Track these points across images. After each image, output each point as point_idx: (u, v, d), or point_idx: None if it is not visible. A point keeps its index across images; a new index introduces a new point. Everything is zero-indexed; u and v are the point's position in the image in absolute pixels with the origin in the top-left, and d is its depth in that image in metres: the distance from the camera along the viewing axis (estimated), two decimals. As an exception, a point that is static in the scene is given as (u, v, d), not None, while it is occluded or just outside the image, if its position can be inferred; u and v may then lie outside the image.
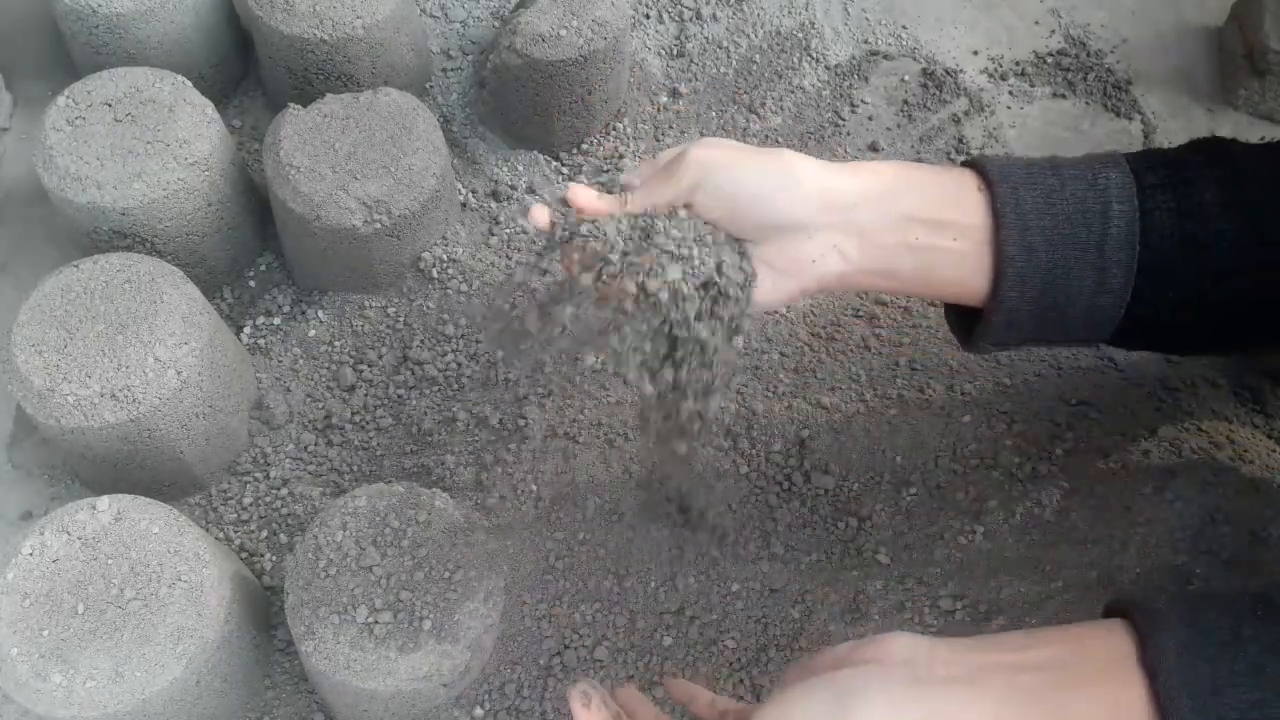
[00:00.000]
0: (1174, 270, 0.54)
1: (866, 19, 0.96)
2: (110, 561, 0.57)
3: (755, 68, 0.92)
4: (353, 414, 0.73)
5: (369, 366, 0.75)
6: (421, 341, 0.76)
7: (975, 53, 0.95)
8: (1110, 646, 0.47)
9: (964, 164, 0.58)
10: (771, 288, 0.56)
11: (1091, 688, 0.46)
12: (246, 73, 0.89)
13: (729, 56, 0.92)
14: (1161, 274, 0.54)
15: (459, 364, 0.75)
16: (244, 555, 0.69)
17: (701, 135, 0.88)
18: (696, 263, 0.53)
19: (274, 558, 0.69)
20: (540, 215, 0.55)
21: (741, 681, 0.65)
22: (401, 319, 0.77)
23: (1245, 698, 0.44)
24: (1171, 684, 0.45)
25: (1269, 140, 0.56)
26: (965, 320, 0.61)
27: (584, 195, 0.55)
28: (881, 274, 0.56)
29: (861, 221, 0.55)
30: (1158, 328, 0.58)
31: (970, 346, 0.61)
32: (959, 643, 0.49)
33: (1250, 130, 0.91)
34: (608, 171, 0.85)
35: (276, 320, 0.77)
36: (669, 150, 0.57)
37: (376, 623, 0.58)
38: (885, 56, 0.93)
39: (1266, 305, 0.55)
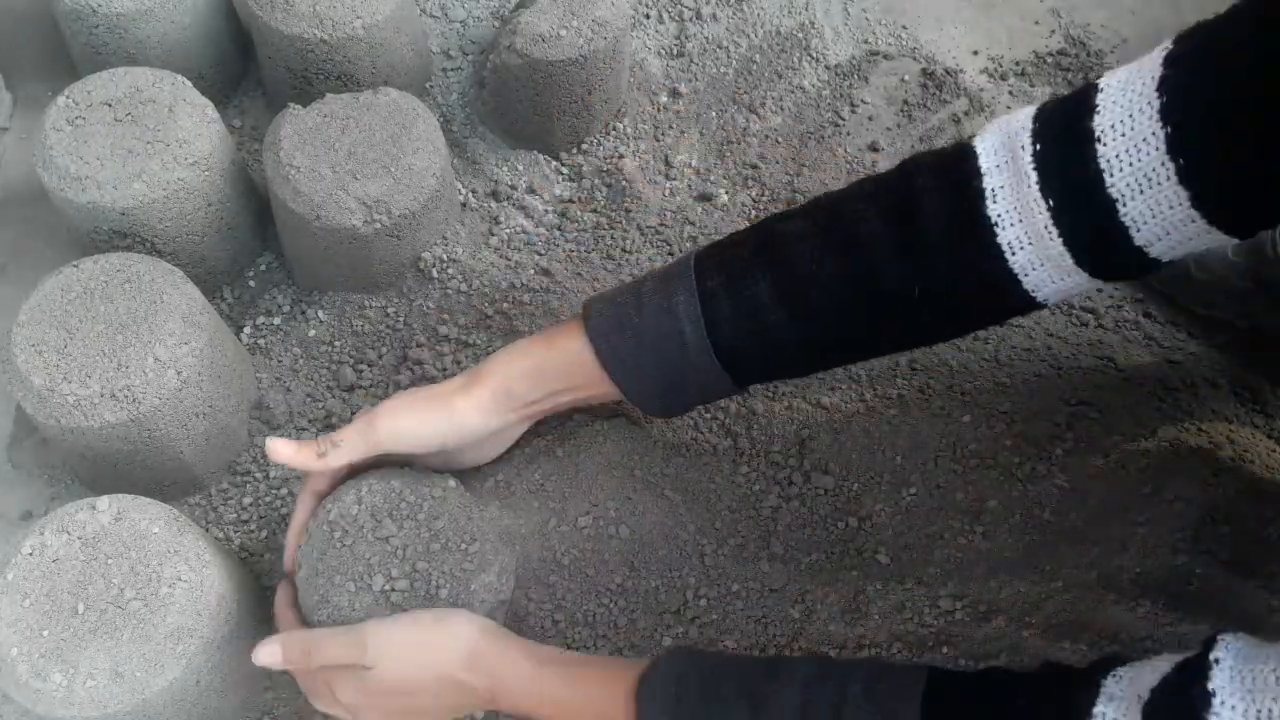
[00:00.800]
0: (746, 354, 0.61)
1: (866, 19, 0.96)
2: (110, 561, 0.57)
3: (755, 68, 0.92)
4: (352, 414, 0.73)
5: (369, 366, 0.75)
6: (421, 341, 0.76)
7: (975, 53, 0.95)
8: (618, 683, 0.56)
9: (583, 311, 0.65)
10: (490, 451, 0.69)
11: (598, 693, 0.57)
12: (246, 73, 0.89)
13: (729, 56, 0.92)
14: (738, 357, 0.61)
15: (458, 363, 0.75)
16: (244, 555, 0.69)
17: (702, 134, 0.88)
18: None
19: (274, 558, 0.69)
20: (281, 452, 0.62)
21: (741, 681, 0.65)
22: (401, 319, 0.77)
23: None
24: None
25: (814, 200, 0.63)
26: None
27: (283, 451, 0.61)
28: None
29: (518, 418, 0.65)
30: (763, 374, 0.67)
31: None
32: (516, 650, 0.59)
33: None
34: (610, 165, 0.85)
35: (276, 320, 0.77)
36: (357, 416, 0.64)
37: (394, 590, 0.58)
38: (885, 56, 0.93)
39: (823, 354, 0.64)
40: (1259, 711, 0.41)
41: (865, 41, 0.94)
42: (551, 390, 0.64)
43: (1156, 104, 0.50)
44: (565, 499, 0.70)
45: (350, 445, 0.62)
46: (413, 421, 0.62)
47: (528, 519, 0.69)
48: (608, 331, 0.63)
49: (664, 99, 0.90)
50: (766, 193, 0.85)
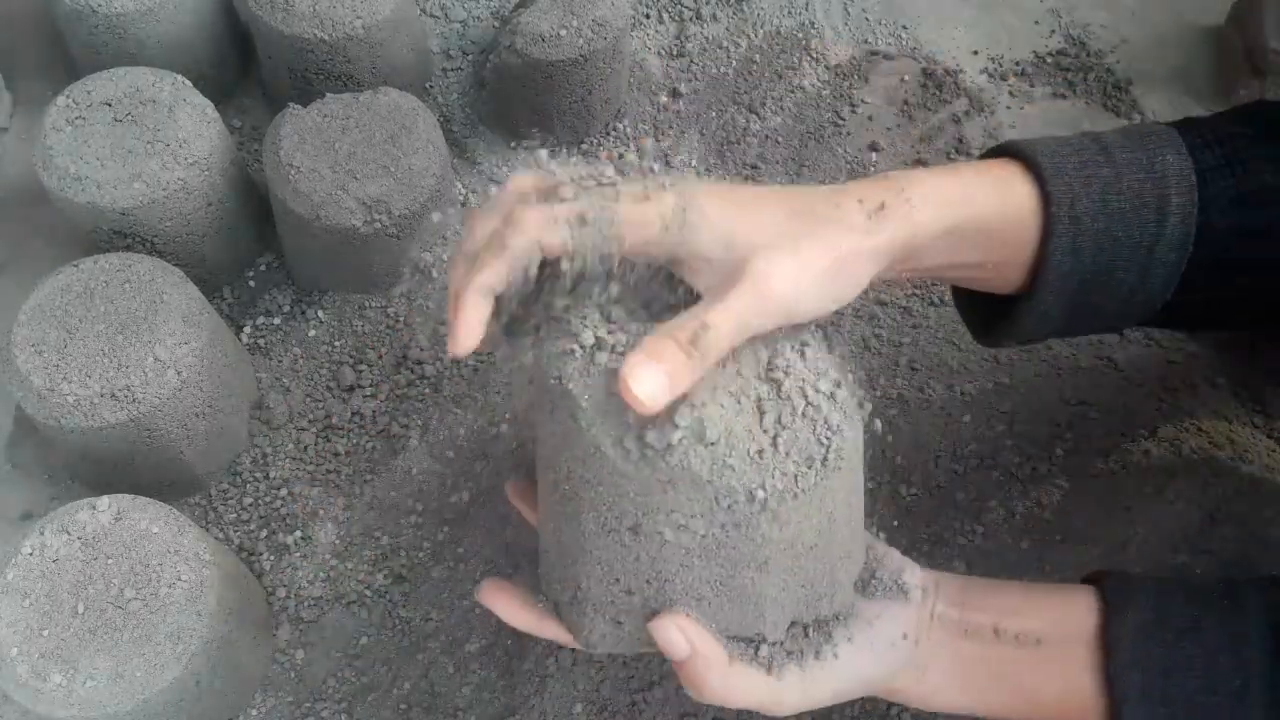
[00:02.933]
0: (1226, 263, 0.51)
1: (866, 19, 0.96)
2: (110, 561, 0.57)
3: (755, 68, 0.92)
4: (352, 414, 0.73)
5: (369, 366, 0.75)
6: (421, 343, 0.76)
7: (975, 53, 0.95)
8: (1079, 622, 0.50)
9: (1003, 150, 0.53)
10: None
11: (1051, 666, 0.50)
12: (246, 73, 0.89)
13: (729, 56, 0.92)
14: (1210, 268, 0.51)
15: (459, 364, 0.75)
16: (244, 555, 0.69)
17: (702, 134, 0.88)
18: None
19: (274, 558, 0.69)
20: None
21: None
22: (401, 319, 0.77)
23: (1194, 684, 0.47)
24: (1124, 661, 0.48)
25: None
26: (978, 309, 0.58)
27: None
28: (921, 275, 0.52)
29: (909, 246, 0.49)
30: (1192, 314, 0.56)
31: (987, 341, 0.58)
32: (953, 587, 0.52)
33: (1250, 130, 0.91)
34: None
35: (276, 320, 0.77)
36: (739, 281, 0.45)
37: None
38: (885, 56, 0.93)
39: None
40: None
41: (865, 41, 0.94)
42: (950, 234, 0.48)
43: None
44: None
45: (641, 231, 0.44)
46: (806, 280, 0.45)
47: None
48: (1067, 174, 0.49)
49: (664, 99, 0.90)
50: (766, 193, 0.85)
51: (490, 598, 0.50)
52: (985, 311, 0.57)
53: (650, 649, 0.47)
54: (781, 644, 0.48)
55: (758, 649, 0.47)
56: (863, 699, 0.63)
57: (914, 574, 0.52)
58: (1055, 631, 0.50)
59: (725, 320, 0.43)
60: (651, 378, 0.41)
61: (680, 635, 0.45)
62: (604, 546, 0.45)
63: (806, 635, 0.48)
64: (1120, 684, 0.48)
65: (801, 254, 0.45)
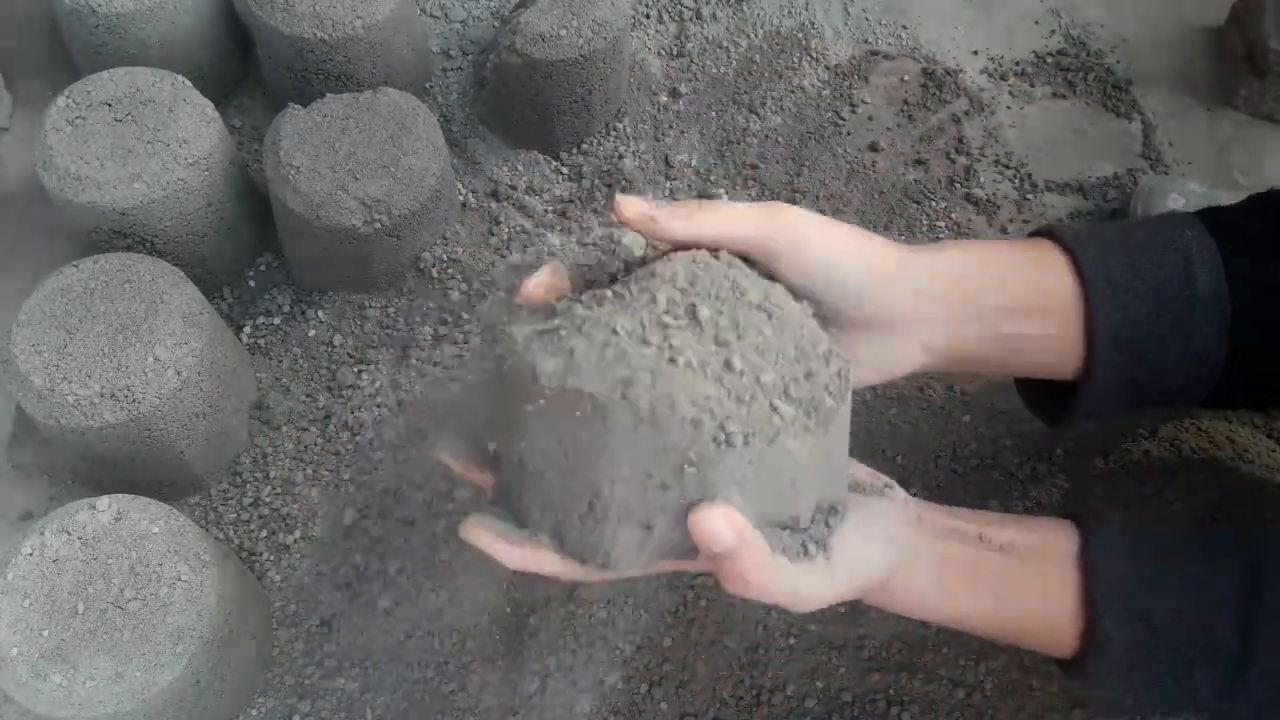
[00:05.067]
0: (1262, 325, 0.53)
1: (866, 19, 0.96)
2: (110, 561, 0.57)
3: (755, 68, 0.92)
4: (352, 414, 0.73)
5: (369, 367, 0.75)
6: (422, 342, 0.76)
7: (975, 53, 0.95)
8: (1059, 541, 0.52)
9: (1035, 234, 0.57)
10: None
11: (1032, 577, 0.52)
12: (246, 73, 0.89)
13: (729, 56, 0.92)
14: (1249, 330, 0.52)
15: (459, 365, 0.75)
16: (244, 555, 0.69)
17: (702, 134, 0.88)
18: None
19: (274, 557, 0.69)
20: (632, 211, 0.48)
21: (741, 682, 0.65)
22: (401, 319, 0.77)
23: (1171, 604, 0.49)
24: (1102, 580, 0.50)
25: None
26: (1042, 398, 0.60)
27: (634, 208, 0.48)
28: (967, 362, 0.55)
29: (951, 317, 0.52)
30: (1253, 387, 0.57)
31: (1056, 424, 0.59)
32: (937, 504, 0.54)
33: (1250, 130, 0.91)
34: (610, 165, 0.85)
35: (276, 320, 0.77)
36: (751, 205, 0.50)
37: None
38: (885, 56, 0.93)
39: None
40: None
41: (865, 41, 0.94)
42: (991, 309, 0.52)
43: None
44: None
45: (740, 218, 0.47)
46: (826, 230, 0.49)
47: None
48: (1093, 245, 0.52)
49: (664, 99, 0.90)
50: (766, 193, 0.85)
51: (477, 535, 0.46)
52: (1052, 397, 0.59)
53: (680, 557, 0.44)
54: (809, 531, 0.46)
55: (788, 535, 0.45)
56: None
57: (892, 480, 0.53)
58: (1037, 545, 0.52)
59: (723, 213, 0.47)
60: (636, 202, 0.47)
61: (727, 525, 0.42)
62: (635, 440, 0.42)
63: (827, 524, 0.47)
64: (1098, 601, 0.50)
65: (834, 227, 0.50)
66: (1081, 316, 0.53)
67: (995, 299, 0.53)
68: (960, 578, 0.51)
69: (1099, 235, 0.54)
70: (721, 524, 0.42)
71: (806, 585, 0.46)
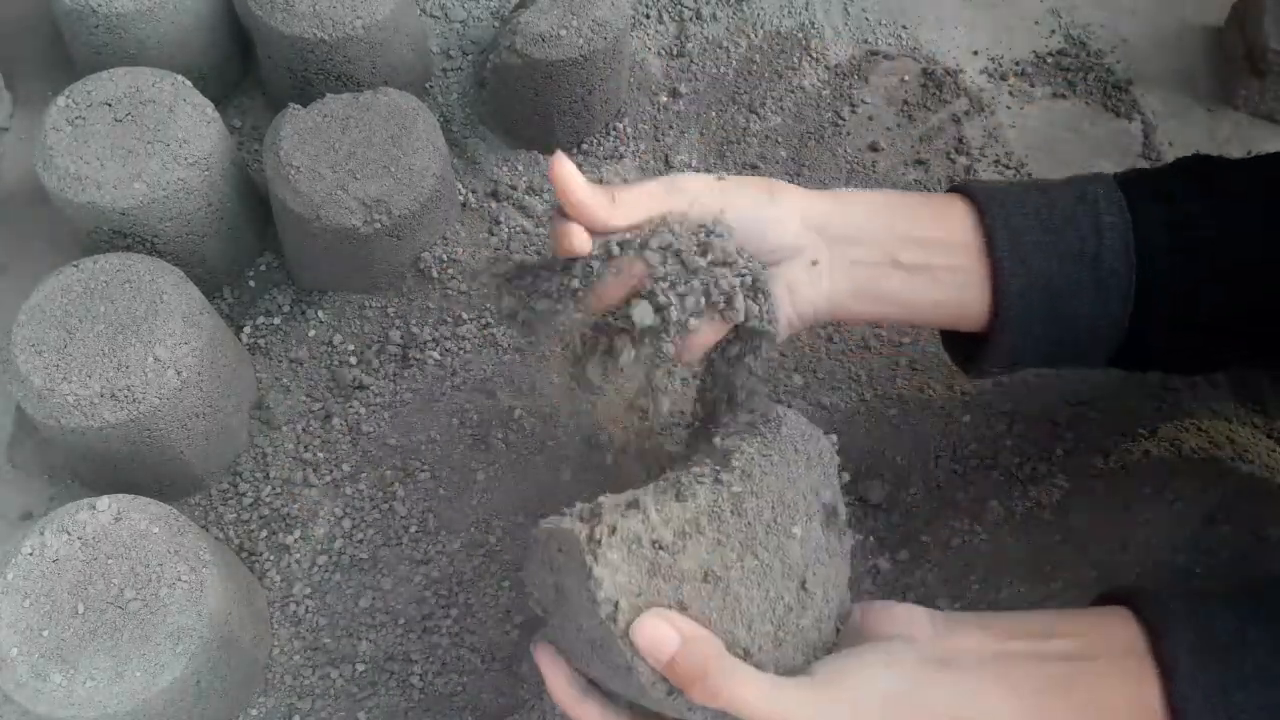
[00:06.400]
0: (1169, 283, 0.54)
1: (866, 19, 0.96)
2: (110, 561, 0.57)
3: (755, 68, 0.92)
4: (352, 414, 0.73)
5: (369, 367, 0.75)
6: (422, 342, 0.76)
7: (975, 53, 0.95)
8: (1125, 640, 0.48)
9: (949, 190, 0.59)
10: None
11: (1112, 680, 0.47)
12: (246, 73, 0.89)
13: (729, 56, 0.92)
14: (1156, 287, 0.54)
15: (459, 365, 0.75)
16: (244, 555, 0.69)
17: (702, 134, 0.88)
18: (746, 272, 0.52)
19: (274, 557, 0.69)
20: (577, 238, 0.51)
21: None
22: (401, 319, 0.77)
23: (1254, 700, 0.45)
24: (1186, 683, 0.45)
25: (1251, 155, 0.57)
26: (965, 349, 0.61)
27: (574, 180, 0.50)
28: (874, 296, 0.56)
29: (846, 240, 0.55)
30: (1158, 345, 0.58)
31: (973, 372, 0.60)
32: (972, 622, 0.49)
33: (1250, 130, 0.91)
34: (610, 165, 0.85)
35: (276, 320, 0.77)
36: (649, 180, 0.54)
37: None
38: (885, 56, 0.93)
39: (1264, 316, 0.55)
40: None
41: (865, 41, 0.94)
42: (889, 234, 0.54)
43: None
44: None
45: (648, 196, 0.51)
46: (724, 185, 0.53)
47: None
48: (999, 197, 0.54)
49: (664, 99, 0.90)
50: (766, 193, 0.85)
51: (544, 662, 0.49)
52: (969, 347, 0.60)
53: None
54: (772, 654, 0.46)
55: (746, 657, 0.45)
56: None
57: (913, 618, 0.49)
58: (1103, 647, 0.48)
59: (634, 197, 0.51)
60: (568, 181, 0.49)
61: (667, 625, 0.42)
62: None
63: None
64: (1186, 706, 0.45)
65: (732, 185, 0.53)
66: (987, 265, 0.54)
67: (894, 224, 0.54)
68: (1030, 691, 0.46)
69: (1009, 189, 0.55)
70: (662, 626, 0.42)
71: (790, 698, 0.43)
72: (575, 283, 0.51)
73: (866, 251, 0.55)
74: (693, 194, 0.52)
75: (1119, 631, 0.48)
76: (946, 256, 0.55)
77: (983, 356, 0.58)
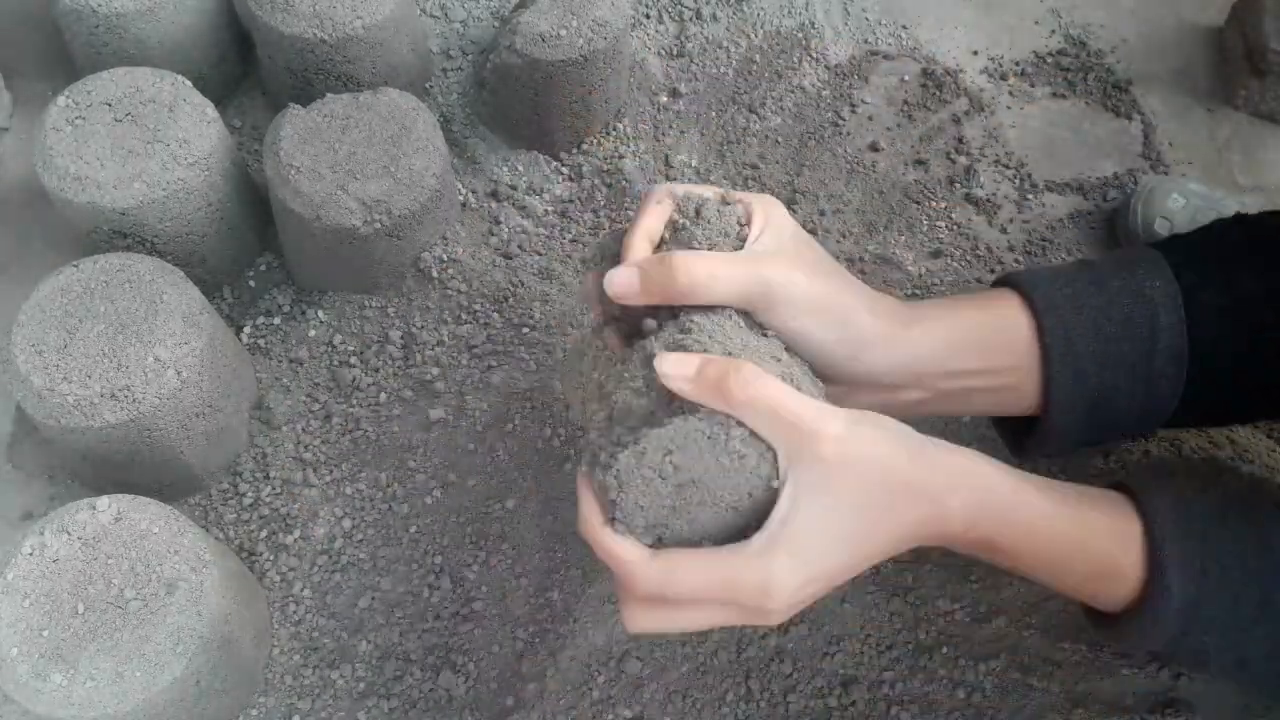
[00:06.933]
0: (1220, 364, 0.55)
1: (866, 19, 0.96)
2: (110, 561, 0.57)
3: (755, 68, 0.92)
4: (352, 414, 0.73)
5: (369, 367, 0.75)
6: (421, 342, 0.76)
7: (975, 53, 0.95)
8: (1112, 496, 0.52)
9: (1002, 282, 0.59)
10: None
11: (1099, 508, 0.51)
12: (246, 73, 0.89)
13: (729, 56, 0.92)
14: (1208, 370, 0.55)
15: (460, 365, 0.75)
16: (244, 555, 0.69)
17: (702, 134, 0.88)
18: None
19: (273, 557, 0.69)
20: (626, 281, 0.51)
21: (741, 683, 0.65)
22: (401, 319, 0.77)
23: (1230, 559, 0.49)
24: (1164, 527, 0.50)
25: None
26: (1011, 428, 0.62)
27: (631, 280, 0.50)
28: (912, 415, 0.56)
29: (894, 388, 0.55)
30: (1206, 413, 0.60)
31: (1021, 456, 0.61)
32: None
33: (1250, 130, 0.91)
34: (610, 165, 0.85)
35: (276, 320, 0.77)
36: (754, 226, 0.52)
37: None
38: (885, 56, 0.93)
39: None
40: None
41: (865, 41, 0.94)
42: (946, 367, 0.54)
43: None
44: (565, 498, 0.70)
45: (729, 280, 0.49)
46: (809, 290, 0.51)
47: (526, 517, 0.69)
48: (1059, 306, 0.54)
49: (664, 99, 0.90)
50: (766, 193, 0.85)
51: (582, 492, 0.48)
52: (1018, 430, 0.61)
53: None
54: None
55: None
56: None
57: None
58: (1093, 491, 0.52)
59: (707, 276, 0.49)
60: (625, 277, 0.49)
61: (687, 355, 0.45)
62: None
63: None
64: (1162, 550, 0.49)
65: (814, 277, 0.51)
66: (1038, 376, 0.56)
67: (961, 362, 0.55)
68: (1033, 489, 0.50)
69: (1067, 290, 0.55)
70: (682, 355, 0.46)
71: (821, 409, 0.45)
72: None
73: (908, 395, 0.56)
74: (781, 291, 0.51)
75: (1108, 492, 0.53)
76: (997, 379, 0.56)
77: (1028, 447, 0.59)
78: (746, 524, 0.46)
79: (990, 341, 0.55)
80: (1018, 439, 0.61)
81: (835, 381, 0.53)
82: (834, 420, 0.44)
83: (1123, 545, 0.50)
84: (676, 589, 0.45)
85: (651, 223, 0.52)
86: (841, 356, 0.52)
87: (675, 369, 0.45)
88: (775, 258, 0.51)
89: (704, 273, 0.49)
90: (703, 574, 0.44)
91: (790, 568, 0.44)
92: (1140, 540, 0.50)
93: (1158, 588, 0.49)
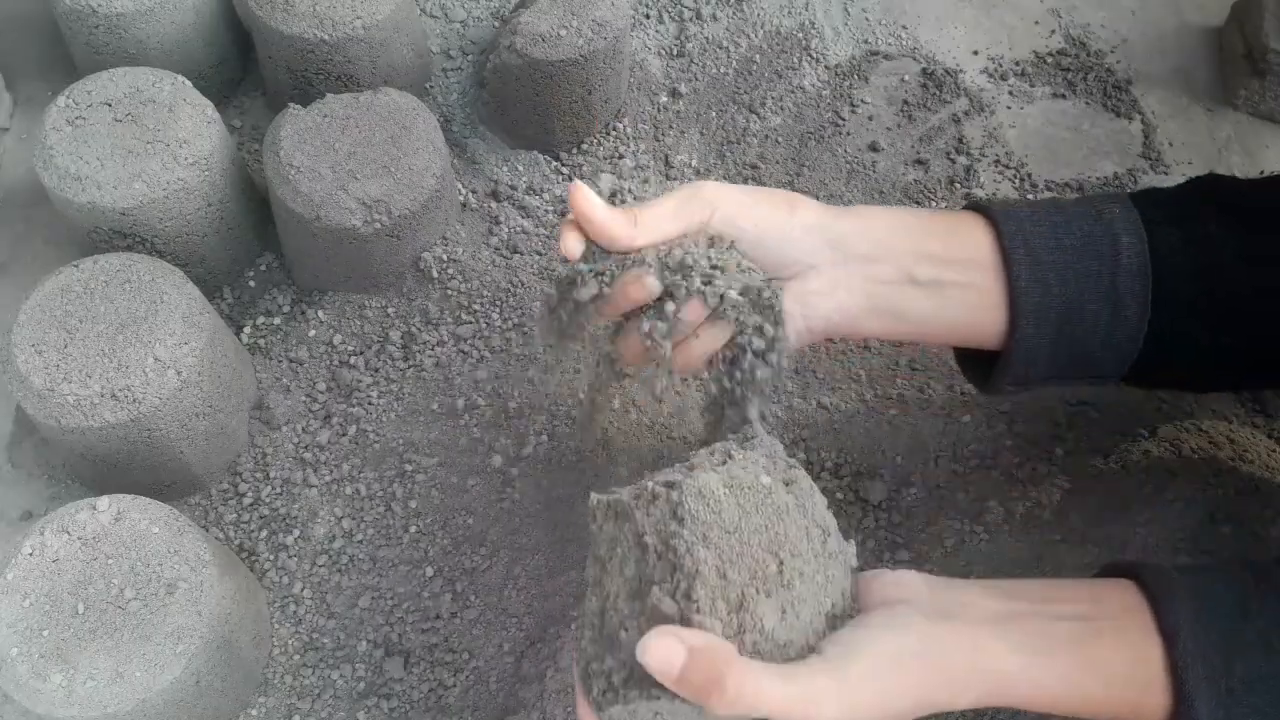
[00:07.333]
0: (1187, 301, 0.54)
1: (866, 19, 0.96)
2: (110, 561, 0.57)
3: (755, 68, 0.92)
4: (352, 414, 0.73)
5: (369, 367, 0.75)
6: (422, 342, 0.76)
7: (975, 53, 0.95)
8: (1126, 606, 0.49)
9: (965, 208, 0.59)
10: None
11: (1115, 640, 0.48)
12: (246, 73, 0.89)
13: (729, 56, 0.92)
14: (1174, 306, 0.54)
15: (460, 364, 0.75)
16: (244, 555, 0.69)
17: (702, 134, 0.88)
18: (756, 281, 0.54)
19: (273, 557, 0.69)
20: (572, 244, 0.54)
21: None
22: (401, 319, 0.77)
23: (1254, 669, 0.47)
24: (1188, 649, 0.47)
25: (1265, 175, 0.57)
26: (979, 365, 0.61)
27: (595, 207, 0.52)
28: (889, 313, 0.56)
29: (864, 258, 0.55)
30: (1175, 364, 0.58)
31: (987, 389, 0.61)
32: (969, 583, 0.50)
33: (1250, 130, 0.91)
34: (610, 165, 0.85)
35: (276, 320, 0.77)
36: (676, 188, 0.56)
37: None
38: (885, 56, 0.93)
39: None
40: None
41: (865, 41, 0.94)
42: (906, 251, 0.54)
43: None
44: (566, 497, 0.70)
45: (669, 215, 0.53)
46: (739, 195, 0.54)
47: (529, 516, 0.69)
48: (1018, 216, 0.54)
49: (664, 99, 0.90)
50: (766, 193, 0.85)
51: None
52: (983, 364, 0.60)
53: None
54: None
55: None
56: None
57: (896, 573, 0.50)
58: (1106, 611, 0.49)
59: (654, 214, 0.53)
60: (587, 203, 0.52)
61: (673, 639, 0.42)
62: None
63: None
64: (1187, 672, 0.47)
65: (738, 192, 0.55)
66: (1004, 283, 0.55)
67: (911, 241, 0.55)
68: (1039, 646, 0.48)
69: (1028, 209, 0.56)
70: (667, 639, 0.42)
71: (807, 689, 0.42)
72: (584, 293, 0.53)
73: (882, 269, 0.55)
74: (712, 203, 0.54)
75: (1121, 598, 0.49)
76: (963, 274, 0.55)
77: (997, 374, 0.58)
78: None
79: (955, 238, 0.56)
80: (985, 374, 0.60)
81: (813, 267, 0.55)
82: (826, 704, 0.43)
83: (1145, 681, 0.48)
84: None
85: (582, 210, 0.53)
86: (813, 232, 0.55)
87: (658, 662, 0.42)
88: (713, 184, 0.55)
89: (654, 212, 0.53)
90: None
91: None
92: (1162, 667, 0.47)
93: (1184, 714, 0.47)
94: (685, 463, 0.49)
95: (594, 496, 0.49)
